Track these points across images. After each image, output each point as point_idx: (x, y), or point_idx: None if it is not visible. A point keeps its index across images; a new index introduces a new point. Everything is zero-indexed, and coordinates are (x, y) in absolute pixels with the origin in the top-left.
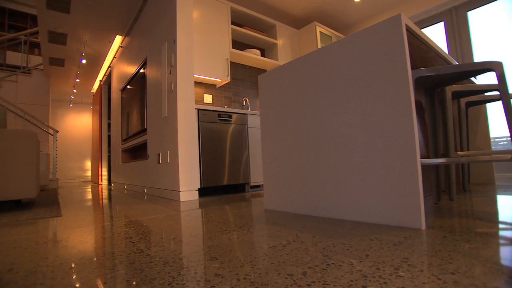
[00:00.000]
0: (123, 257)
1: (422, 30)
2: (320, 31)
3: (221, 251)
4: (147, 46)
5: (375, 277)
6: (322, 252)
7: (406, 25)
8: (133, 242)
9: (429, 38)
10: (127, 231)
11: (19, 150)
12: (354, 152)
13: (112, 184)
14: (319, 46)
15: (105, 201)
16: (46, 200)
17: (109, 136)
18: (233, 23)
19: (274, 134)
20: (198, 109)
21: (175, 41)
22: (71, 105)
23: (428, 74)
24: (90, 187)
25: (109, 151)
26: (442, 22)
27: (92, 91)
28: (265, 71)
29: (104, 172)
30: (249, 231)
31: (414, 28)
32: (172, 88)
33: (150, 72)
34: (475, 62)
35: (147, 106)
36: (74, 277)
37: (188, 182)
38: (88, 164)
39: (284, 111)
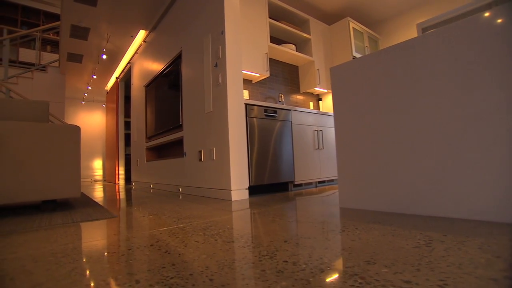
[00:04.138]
0: (260, 264)
1: None
2: (353, 27)
3: (367, 254)
4: (181, 39)
5: None
6: (484, 252)
7: None
8: (243, 247)
9: None
10: (219, 234)
11: (65, 145)
12: (463, 147)
13: (133, 184)
14: (353, 42)
15: (144, 200)
16: (80, 199)
17: (126, 135)
18: (269, 17)
19: (353, 129)
20: (246, 104)
21: (223, 32)
22: (83, 102)
23: None
24: (102, 186)
25: (126, 150)
26: None
27: (105, 88)
28: (296, 67)
29: (121, 171)
30: (361, 231)
31: None
32: (220, 82)
33: (187, 66)
34: None
35: (182, 101)
36: None
37: (238, 181)
38: (99, 163)
39: (368, 105)
